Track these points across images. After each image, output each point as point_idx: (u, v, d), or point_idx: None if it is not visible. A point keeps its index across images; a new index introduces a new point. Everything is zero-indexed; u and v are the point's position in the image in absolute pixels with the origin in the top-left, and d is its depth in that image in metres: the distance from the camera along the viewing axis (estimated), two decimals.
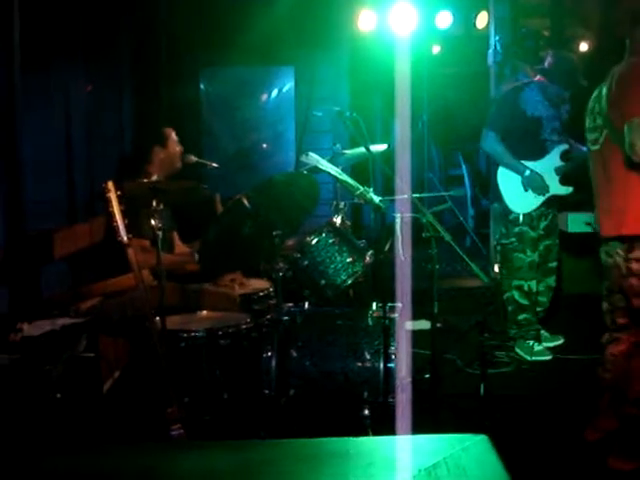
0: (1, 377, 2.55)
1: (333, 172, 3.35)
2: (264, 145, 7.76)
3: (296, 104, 7.60)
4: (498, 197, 5.25)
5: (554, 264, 5.41)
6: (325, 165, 3.36)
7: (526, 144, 5.16)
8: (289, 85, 7.67)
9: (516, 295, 5.24)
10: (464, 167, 9.65)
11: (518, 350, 5.21)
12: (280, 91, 7.70)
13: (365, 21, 7.64)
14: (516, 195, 5.15)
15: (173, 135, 4.37)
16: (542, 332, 5.35)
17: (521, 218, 5.15)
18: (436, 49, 8.93)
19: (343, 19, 7.49)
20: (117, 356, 4.17)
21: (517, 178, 5.14)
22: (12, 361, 2.62)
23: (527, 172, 5.10)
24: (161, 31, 7.07)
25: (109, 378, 3.90)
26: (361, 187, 3.29)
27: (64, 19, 5.45)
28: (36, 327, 3.00)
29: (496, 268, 6.51)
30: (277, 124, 7.69)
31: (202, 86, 7.66)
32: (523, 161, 5.12)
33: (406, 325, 3.93)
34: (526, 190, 5.13)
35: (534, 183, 5.11)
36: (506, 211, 5.24)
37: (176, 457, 1.43)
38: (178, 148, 4.36)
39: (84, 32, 5.89)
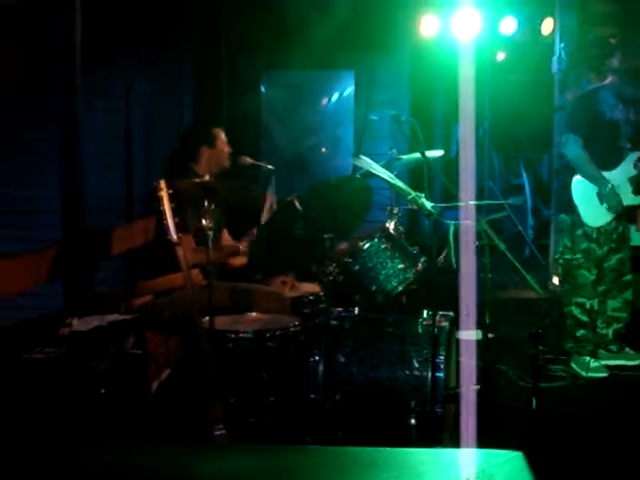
0: (48, 370, 2.58)
1: (385, 176, 3.30)
2: (323, 149, 7.75)
3: (355, 108, 7.57)
4: (568, 208, 5.01)
5: (629, 277, 5.12)
6: (377, 169, 3.32)
7: (604, 152, 4.87)
8: (349, 89, 7.65)
9: (576, 311, 5.07)
10: (525, 176, 9.47)
11: (574, 365, 5.06)
12: (340, 95, 7.68)
13: (427, 26, 7.57)
14: (591, 207, 4.88)
15: (222, 135, 4.38)
16: (612, 347, 5.17)
17: (594, 234, 4.94)
18: (501, 56, 8.81)
19: (405, 24, 7.43)
20: (168, 354, 4.19)
21: (593, 189, 4.87)
22: (59, 355, 2.65)
23: (608, 187, 4.81)
24: (223, 33, 7.12)
25: (158, 376, 3.93)
26: (413, 192, 3.24)
27: (127, 18, 5.54)
28: (85, 322, 3.03)
29: (555, 281, 6.37)
30: (336, 128, 7.68)
31: (263, 89, 7.69)
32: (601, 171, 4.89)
33: (458, 334, 3.87)
34: (602, 203, 4.88)
35: (612, 201, 4.84)
36: (575, 224, 4.99)
37: (204, 459, 1.42)
38: (226, 148, 4.36)
39: (147, 31, 5.98)
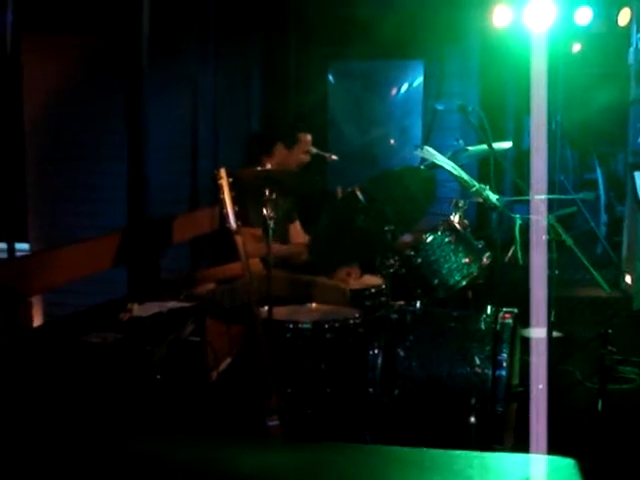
0: (105, 354, 2.60)
1: (448, 167, 3.22)
2: (391, 140, 7.66)
3: (424, 99, 7.46)
4: None
5: None
6: (441, 160, 3.24)
7: None
8: (418, 80, 7.54)
9: None
10: (599, 171, 9.20)
11: None
12: (409, 86, 7.58)
13: (500, 16, 7.40)
14: None
15: (307, 144, 4.25)
16: None
17: None
18: (576, 47, 8.57)
19: (476, 14, 7.28)
20: (230, 342, 4.20)
21: None
22: (116, 340, 2.66)
23: None
24: (292, 22, 7.10)
25: (218, 364, 3.93)
26: (477, 184, 3.15)
27: (196, 10, 5.57)
28: (145, 308, 3.04)
29: (628, 279, 6.16)
30: (404, 119, 7.58)
31: (330, 79, 7.64)
32: None
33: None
34: None
35: None
36: None
37: (243, 452, 1.39)
38: (304, 157, 4.24)
39: (216, 20, 5.99)
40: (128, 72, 4.19)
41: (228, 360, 4.28)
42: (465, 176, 3.26)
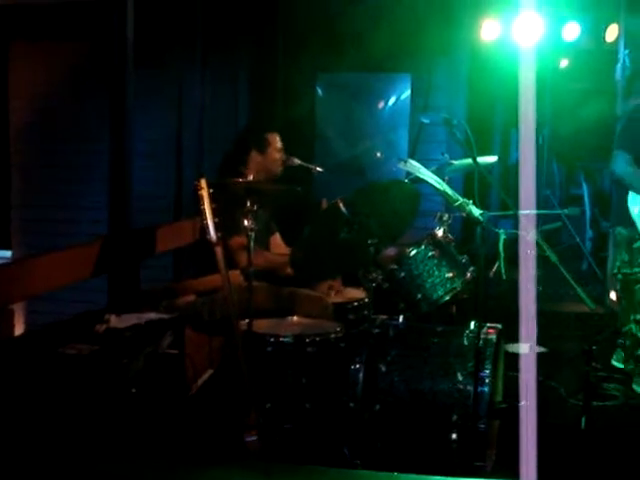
0: (79, 367, 2.55)
1: (431, 181, 3.19)
2: (377, 153, 7.64)
3: (411, 113, 7.45)
4: (626, 221, 4.86)
5: None
6: (424, 173, 3.21)
7: None
8: (405, 93, 7.53)
9: (635, 329, 4.87)
10: (585, 186, 9.23)
11: (635, 387, 4.83)
12: (397, 99, 7.57)
13: (488, 30, 7.41)
14: None
15: (276, 142, 4.27)
16: None
17: None
18: (564, 62, 8.60)
19: (464, 27, 7.29)
20: (211, 354, 4.15)
21: None
22: (92, 352, 2.61)
23: None
24: (280, 32, 7.08)
25: (197, 376, 3.89)
26: (460, 198, 3.12)
27: (182, 15, 5.53)
28: (123, 320, 2.99)
29: (612, 296, 6.14)
30: (390, 132, 7.56)
31: (318, 90, 7.63)
32: None
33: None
34: None
35: None
36: (633, 238, 4.84)
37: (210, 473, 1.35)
38: (278, 155, 4.25)
39: (203, 31, 5.96)
40: (111, 79, 4.15)
41: (209, 372, 4.24)
42: (448, 190, 3.24)
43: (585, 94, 8.71)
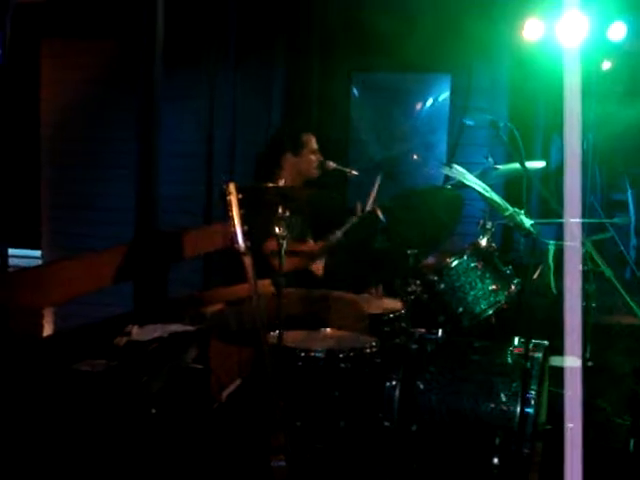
0: (95, 385, 2.36)
1: (478, 188, 2.97)
2: (414, 156, 7.41)
3: (450, 114, 7.20)
4: None
5: None
6: (470, 180, 2.99)
7: None
8: (444, 94, 7.29)
9: None
10: (630, 192, 8.92)
11: None
12: (434, 100, 7.32)
13: (531, 30, 7.15)
14: None
15: (312, 143, 4.09)
16: None
17: None
18: (606, 65, 8.32)
19: (507, 27, 7.03)
20: (240, 364, 3.98)
21: None
22: (108, 368, 2.42)
23: None
24: (315, 32, 6.89)
25: (224, 389, 3.71)
26: (510, 208, 2.89)
27: (216, 13, 5.38)
28: (145, 332, 2.81)
29: None
30: (428, 135, 7.32)
31: (354, 91, 7.42)
32: None
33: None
34: None
35: None
36: None
37: None
38: (314, 157, 4.07)
39: (237, 31, 5.81)
40: (140, 78, 3.99)
41: (237, 382, 4.06)
42: (497, 198, 3.01)
43: (628, 97, 8.42)
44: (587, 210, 7.91)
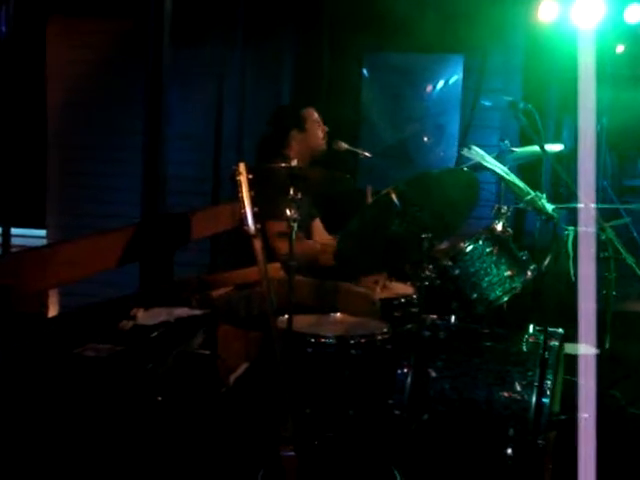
0: (99, 371, 2.28)
1: (499, 171, 2.87)
2: (425, 138, 7.29)
3: (463, 96, 7.07)
4: None
5: None
6: (491, 162, 2.89)
7: None
8: (457, 75, 7.16)
9: None
10: None
11: None
12: (447, 81, 7.20)
13: (546, 11, 7.01)
14: None
15: (314, 115, 4.07)
16: None
17: None
18: (620, 48, 8.17)
19: (521, 7, 6.89)
20: (247, 347, 3.91)
21: None
22: (113, 353, 2.34)
23: None
24: (326, 11, 6.77)
25: (231, 373, 3.63)
26: (532, 192, 2.79)
27: None
28: (151, 315, 2.73)
29: None
30: (440, 116, 7.19)
31: (365, 72, 7.29)
32: None
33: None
34: None
35: None
36: None
37: None
38: (319, 129, 4.05)
39: (245, 11, 5.70)
40: (149, 58, 3.90)
41: (245, 365, 3.99)
42: (519, 182, 2.91)
43: None
44: (600, 195, 7.80)
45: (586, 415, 3.66)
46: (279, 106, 5.91)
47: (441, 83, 7.20)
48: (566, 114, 8.10)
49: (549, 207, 2.82)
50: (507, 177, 2.91)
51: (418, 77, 7.19)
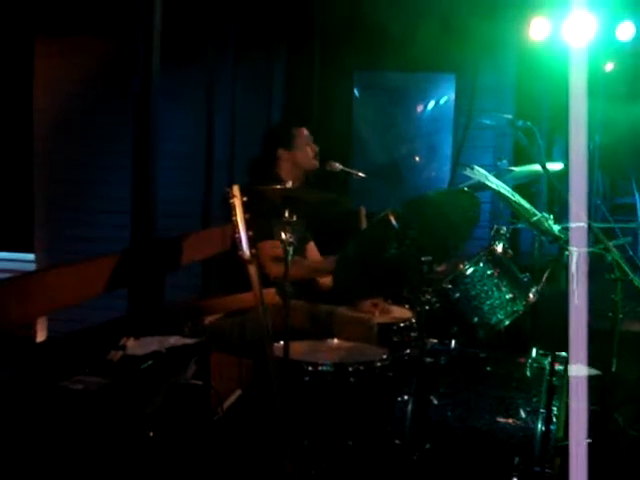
0: (87, 406, 2.15)
1: (504, 191, 2.78)
2: (416, 158, 7.22)
3: (455, 115, 7.01)
4: None
5: None
6: (494, 182, 2.80)
7: None
8: (449, 94, 7.10)
9: None
10: (638, 195, 8.77)
11: None
12: (440, 100, 7.14)
13: (537, 29, 6.97)
14: None
15: (304, 133, 3.95)
16: None
17: None
18: (609, 66, 8.16)
19: (512, 26, 6.86)
20: (240, 374, 3.80)
21: None
22: (101, 386, 2.22)
23: None
24: (317, 29, 6.71)
25: (224, 400, 3.52)
26: (538, 213, 2.70)
27: (214, 9, 5.19)
28: (141, 344, 2.61)
29: None
30: (432, 136, 7.12)
31: (355, 91, 7.22)
32: None
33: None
34: None
35: None
36: None
37: None
38: (309, 148, 3.92)
39: (235, 28, 5.63)
40: (135, 73, 3.80)
41: (237, 393, 3.88)
42: (525, 203, 2.82)
43: (633, 98, 8.26)
44: (593, 214, 7.74)
45: (589, 440, 3.56)
46: (270, 125, 5.84)
47: (433, 102, 7.14)
48: (557, 132, 8.06)
49: (555, 228, 2.73)
50: (512, 197, 2.82)
51: (410, 96, 7.14)
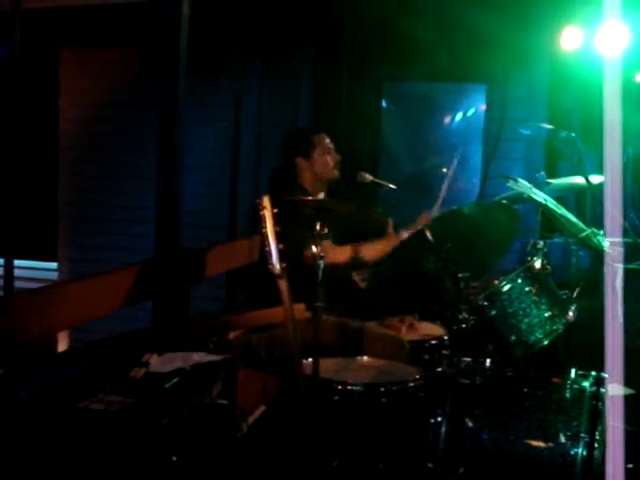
0: (107, 427, 2.05)
1: (551, 205, 2.64)
2: (444, 170, 7.07)
3: (485, 126, 6.87)
4: None
5: None
6: (539, 195, 2.66)
7: None
8: (479, 105, 6.96)
9: None
10: None
11: None
12: (468, 111, 7.00)
13: (570, 39, 6.82)
14: None
15: (324, 142, 3.78)
16: None
17: None
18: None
19: (544, 35, 6.72)
20: (265, 390, 3.69)
21: None
22: (123, 407, 2.11)
23: None
24: (345, 40, 6.61)
25: (248, 416, 3.40)
26: (587, 228, 2.57)
27: (242, 20, 5.12)
28: (165, 361, 2.50)
29: None
30: (463, 147, 6.98)
31: (384, 102, 7.11)
32: None
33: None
34: None
35: None
36: None
37: None
38: (329, 157, 3.75)
39: (263, 40, 5.55)
40: (162, 85, 3.72)
41: (262, 408, 3.77)
42: (571, 217, 2.68)
43: None
44: (630, 229, 7.56)
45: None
46: (286, 132, 5.74)
47: (463, 113, 7.00)
48: (589, 144, 7.91)
49: (605, 243, 2.58)
50: (558, 211, 2.68)
51: (439, 107, 7.00)
